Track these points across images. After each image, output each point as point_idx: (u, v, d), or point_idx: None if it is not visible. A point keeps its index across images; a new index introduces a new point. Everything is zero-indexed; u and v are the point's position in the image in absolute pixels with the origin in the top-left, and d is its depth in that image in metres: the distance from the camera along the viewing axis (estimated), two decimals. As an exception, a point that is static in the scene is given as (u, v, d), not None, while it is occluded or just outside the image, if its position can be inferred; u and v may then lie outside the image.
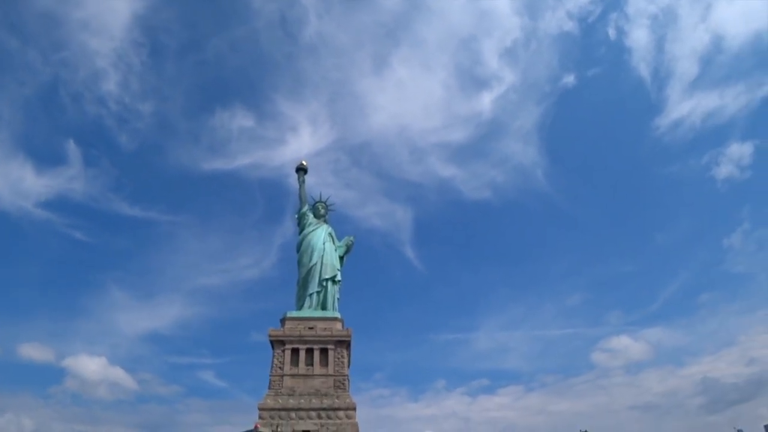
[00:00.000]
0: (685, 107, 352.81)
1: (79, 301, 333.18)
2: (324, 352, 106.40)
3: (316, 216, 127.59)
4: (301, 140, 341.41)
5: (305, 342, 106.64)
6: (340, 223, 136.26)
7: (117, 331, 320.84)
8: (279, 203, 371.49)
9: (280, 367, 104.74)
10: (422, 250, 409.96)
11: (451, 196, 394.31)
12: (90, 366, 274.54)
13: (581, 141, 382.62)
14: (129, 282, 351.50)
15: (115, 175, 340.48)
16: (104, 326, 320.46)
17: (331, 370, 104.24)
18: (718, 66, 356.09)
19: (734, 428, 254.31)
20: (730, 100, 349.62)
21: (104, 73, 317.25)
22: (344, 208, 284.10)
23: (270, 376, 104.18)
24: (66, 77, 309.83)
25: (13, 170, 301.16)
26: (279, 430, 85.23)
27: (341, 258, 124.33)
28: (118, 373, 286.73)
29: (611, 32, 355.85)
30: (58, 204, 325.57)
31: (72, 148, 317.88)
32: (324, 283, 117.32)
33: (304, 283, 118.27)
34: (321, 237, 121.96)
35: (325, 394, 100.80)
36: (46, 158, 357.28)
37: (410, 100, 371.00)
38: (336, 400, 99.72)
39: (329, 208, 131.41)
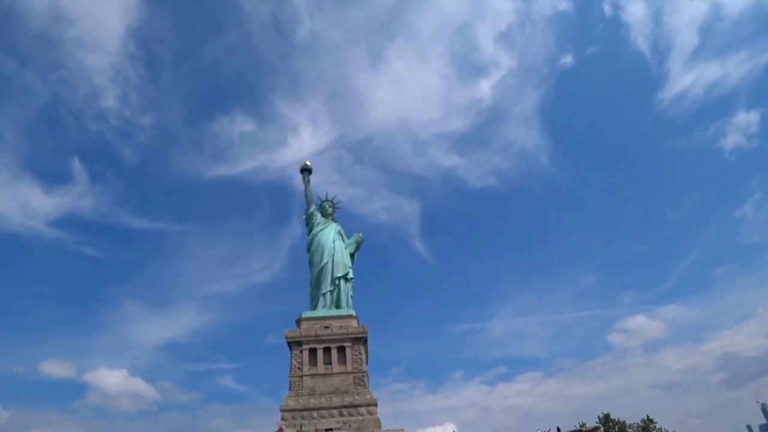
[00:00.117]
0: (687, 79, 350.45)
1: (96, 316, 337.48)
2: (341, 350, 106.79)
3: (324, 215, 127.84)
4: (303, 140, 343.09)
5: (322, 341, 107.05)
6: (347, 221, 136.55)
7: (134, 343, 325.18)
8: (285, 205, 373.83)
9: (298, 368, 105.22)
10: (431, 242, 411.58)
11: (455, 185, 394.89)
12: (111, 379, 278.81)
13: (584, 121, 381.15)
14: (142, 294, 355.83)
15: (121, 189, 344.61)
16: (122, 339, 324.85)
17: (349, 367, 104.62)
18: (719, 35, 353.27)
19: (757, 401, 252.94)
20: (732, 69, 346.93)
21: (103, 90, 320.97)
22: (351, 205, 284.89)
23: (289, 377, 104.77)
24: (65, 96, 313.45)
25: (21, 192, 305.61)
26: (303, 430, 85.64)
27: (352, 255, 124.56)
28: (139, 384, 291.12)
29: (607, 9, 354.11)
30: (68, 222, 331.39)
31: (77, 165, 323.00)
32: (336, 282, 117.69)
33: (316, 283, 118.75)
34: (330, 236, 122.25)
35: (346, 392, 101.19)
36: (52, 177, 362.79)
37: (409, 93, 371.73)
38: (357, 397, 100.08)
39: (336, 206, 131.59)
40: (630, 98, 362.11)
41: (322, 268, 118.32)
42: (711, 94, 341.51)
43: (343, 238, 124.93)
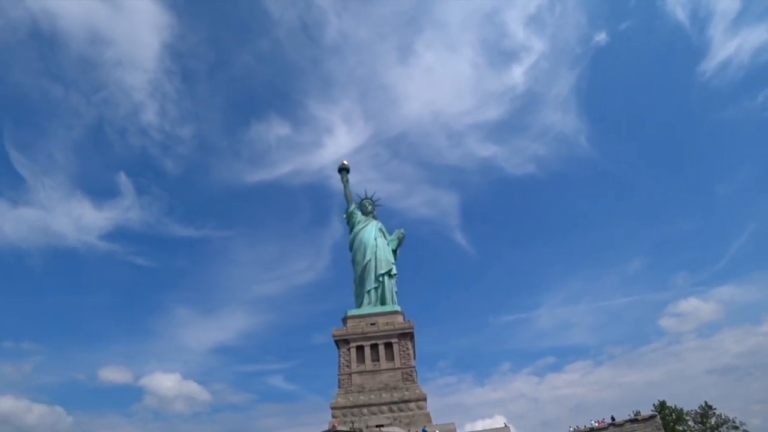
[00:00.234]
0: (730, 46, 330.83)
1: (149, 323, 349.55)
2: (389, 346, 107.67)
3: (364, 213, 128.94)
4: (338, 140, 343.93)
5: (369, 338, 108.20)
6: (387, 217, 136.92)
7: (186, 348, 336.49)
8: (324, 205, 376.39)
9: (347, 366, 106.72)
10: (472, 234, 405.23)
11: (494, 175, 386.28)
12: (165, 383, 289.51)
13: (623, 99, 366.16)
14: (191, 299, 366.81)
15: (166, 200, 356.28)
16: (174, 344, 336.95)
17: (397, 363, 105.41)
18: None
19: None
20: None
21: (143, 106, 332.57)
22: (390, 201, 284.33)
23: (338, 375, 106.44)
24: (109, 115, 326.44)
25: (73, 208, 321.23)
26: (355, 426, 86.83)
27: (394, 251, 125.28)
28: (192, 387, 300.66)
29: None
30: (118, 234, 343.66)
31: (123, 180, 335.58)
32: (380, 279, 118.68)
33: (360, 281, 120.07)
34: (372, 233, 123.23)
35: (395, 388, 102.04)
36: (101, 193, 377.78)
37: (440, 85, 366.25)
38: (406, 393, 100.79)
39: (376, 203, 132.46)
40: (670, 71, 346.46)
41: (366, 265, 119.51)
42: (757, 61, 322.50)
43: (384, 235, 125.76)
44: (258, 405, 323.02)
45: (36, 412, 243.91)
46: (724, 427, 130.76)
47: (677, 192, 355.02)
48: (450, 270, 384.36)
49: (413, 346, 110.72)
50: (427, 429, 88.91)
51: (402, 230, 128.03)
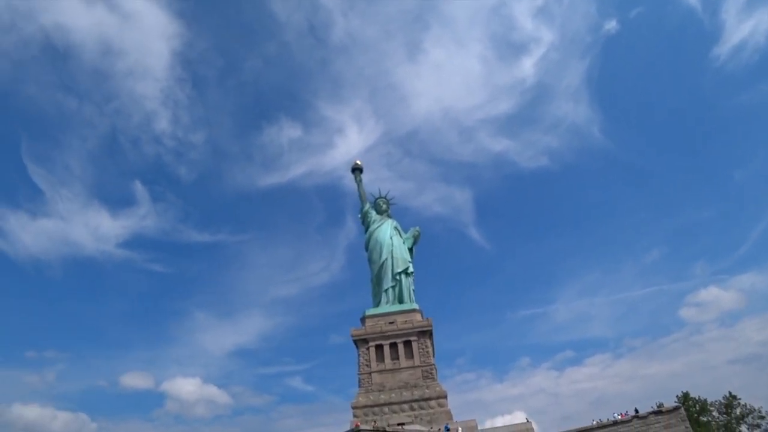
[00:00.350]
0: (744, 29, 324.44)
1: (168, 329, 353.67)
2: (408, 344, 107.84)
3: (379, 212, 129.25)
4: (349, 141, 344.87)
5: (387, 337, 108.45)
6: (402, 216, 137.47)
7: (206, 352, 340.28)
8: (338, 206, 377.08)
9: (366, 365, 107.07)
10: (487, 229, 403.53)
11: (507, 169, 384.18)
12: (186, 387, 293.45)
13: (635, 88, 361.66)
14: (209, 304, 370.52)
15: (181, 206, 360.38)
16: (194, 349, 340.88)
17: (417, 361, 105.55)
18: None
19: None
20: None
21: (155, 114, 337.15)
22: (404, 199, 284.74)
23: (358, 374, 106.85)
24: (122, 124, 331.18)
25: (91, 218, 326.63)
26: (378, 425, 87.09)
27: (410, 250, 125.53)
28: (212, 391, 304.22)
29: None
30: (135, 242, 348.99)
31: (139, 188, 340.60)
32: (398, 277, 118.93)
33: (377, 280, 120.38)
34: (387, 232, 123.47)
35: (415, 386, 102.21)
36: (117, 202, 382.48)
37: (449, 81, 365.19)
38: (426, 390, 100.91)
39: (390, 202, 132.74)
40: (683, 57, 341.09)
41: (382, 264, 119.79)
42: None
43: (400, 234, 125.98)
44: (277, 407, 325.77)
45: (61, 419, 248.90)
46: (750, 417, 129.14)
47: (694, 180, 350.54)
48: (465, 266, 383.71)
49: (432, 344, 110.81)
50: (449, 426, 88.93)
51: (417, 228, 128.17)
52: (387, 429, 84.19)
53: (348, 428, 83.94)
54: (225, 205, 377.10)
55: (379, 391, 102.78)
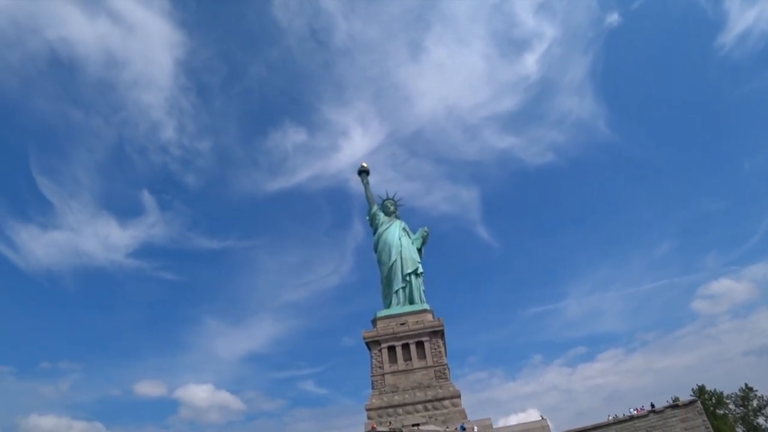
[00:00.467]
0: (749, 16, 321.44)
1: (180, 336, 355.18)
2: (420, 345, 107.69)
3: (387, 213, 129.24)
4: (354, 143, 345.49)
5: (399, 338, 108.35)
6: (409, 216, 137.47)
7: (218, 358, 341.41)
8: (345, 208, 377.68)
9: (379, 367, 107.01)
10: (495, 227, 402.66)
11: (513, 166, 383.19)
12: (199, 394, 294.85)
13: (640, 80, 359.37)
14: (220, 310, 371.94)
15: (189, 214, 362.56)
16: (206, 355, 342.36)
17: (429, 361, 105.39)
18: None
19: None
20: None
21: (161, 123, 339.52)
22: (411, 200, 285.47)
23: (371, 376, 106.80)
24: (128, 135, 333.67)
25: (100, 228, 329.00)
26: (393, 427, 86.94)
27: (419, 250, 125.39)
28: (225, 397, 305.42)
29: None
30: (145, 251, 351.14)
31: (147, 197, 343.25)
32: (407, 278, 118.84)
33: (387, 282, 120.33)
34: (395, 233, 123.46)
35: (428, 386, 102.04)
36: (126, 211, 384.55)
37: (453, 79, 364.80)
38: (440, 390, 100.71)
39: (398, 203, 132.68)
40: (687, 48, 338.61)
41: (392, 266, 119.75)
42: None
43: (408, 234, 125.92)
44: (290, 411, 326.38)
45: (77, 429, 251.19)
46: (767, 409, 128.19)
47: (703, 171, 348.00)
48: (474, 265, 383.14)
49: (444, 344, 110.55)
50: (465, 425, 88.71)
51: (426, 228, 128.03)
52: (402, 430, 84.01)
53: (363, 430, 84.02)
54: (233, 212, 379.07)
55: (393, 392, 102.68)
